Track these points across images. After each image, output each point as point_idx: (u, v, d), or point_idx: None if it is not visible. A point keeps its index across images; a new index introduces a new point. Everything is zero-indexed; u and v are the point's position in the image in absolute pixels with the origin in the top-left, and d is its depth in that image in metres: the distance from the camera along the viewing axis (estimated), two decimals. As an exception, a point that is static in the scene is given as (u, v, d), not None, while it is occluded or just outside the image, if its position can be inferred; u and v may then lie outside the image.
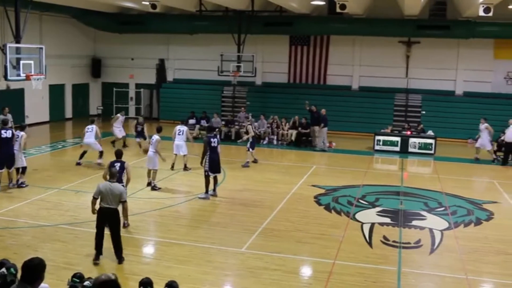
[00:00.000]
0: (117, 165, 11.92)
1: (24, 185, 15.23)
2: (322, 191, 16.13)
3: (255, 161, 19.86)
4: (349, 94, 28.34)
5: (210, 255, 10.72)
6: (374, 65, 28.03)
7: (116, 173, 10.61)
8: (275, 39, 28.69)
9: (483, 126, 21.36)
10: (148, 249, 11.35)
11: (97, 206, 10.07)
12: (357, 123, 27.17)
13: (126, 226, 11.97)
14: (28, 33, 17.79)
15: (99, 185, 10.08)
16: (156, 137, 15.70)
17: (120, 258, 10.10)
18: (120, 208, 10.11)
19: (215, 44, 28.64)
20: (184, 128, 18.21)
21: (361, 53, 28.34)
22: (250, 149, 19.59)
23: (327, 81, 28.89)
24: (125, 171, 12.04)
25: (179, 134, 18.03)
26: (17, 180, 15.23)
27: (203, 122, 25.22)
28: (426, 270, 10.41)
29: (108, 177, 10.49)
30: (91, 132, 18.16)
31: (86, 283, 6.16)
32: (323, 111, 23.37)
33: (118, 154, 12.40)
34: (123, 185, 11.96)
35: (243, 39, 26.51)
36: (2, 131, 14.92)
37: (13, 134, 15.07)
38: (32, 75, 16.46)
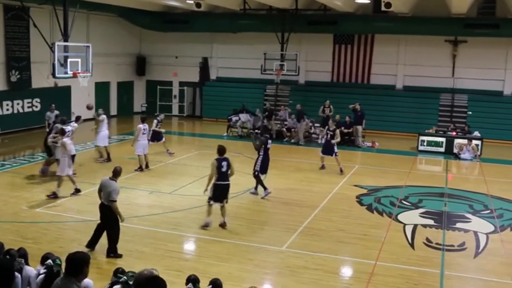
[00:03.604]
0: (225, 164, 11.97)
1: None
2: (364, 191, 15.99)
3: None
4: (393, 93, 27.95)
5: (251, 253, 10.76)
6: (419, 65, 27.54)
7: (120, 171, 10.58)
8: (319, 37, 28.55)
9: None
10: (189, 246, 11.46)
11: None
12: (401, 123, 26.79)
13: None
14: (76, 32, 18.16)
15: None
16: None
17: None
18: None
19: (259, 43, 28.68)
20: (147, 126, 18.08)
21: (406, 52, 27.88)
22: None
23: (371, 80, 28.56)
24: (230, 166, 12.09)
25: (143, 134, 17.72)
26: None
27: (244, 116, 25.32)
28: (470, 273, 10.22)
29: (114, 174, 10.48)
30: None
31: (123, 279, 6.26)
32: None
33: (222, 151, 12.18)
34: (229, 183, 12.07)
35: (286, 38, 26.50)
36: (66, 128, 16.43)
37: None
38: (78, 73, 16.84)
